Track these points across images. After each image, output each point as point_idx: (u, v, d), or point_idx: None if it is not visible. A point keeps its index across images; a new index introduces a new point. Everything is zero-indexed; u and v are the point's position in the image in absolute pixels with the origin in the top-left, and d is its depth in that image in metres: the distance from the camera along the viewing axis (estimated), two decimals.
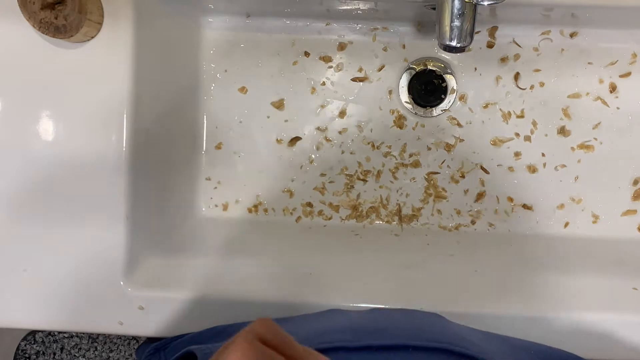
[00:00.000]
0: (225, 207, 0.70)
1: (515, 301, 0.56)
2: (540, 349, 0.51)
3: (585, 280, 0.59)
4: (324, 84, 0.68)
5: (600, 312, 0.55)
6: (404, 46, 0.67)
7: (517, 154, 0.67)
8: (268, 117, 0.69)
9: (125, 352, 1.39)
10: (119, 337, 1.39)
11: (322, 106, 0.69)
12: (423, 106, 0.67)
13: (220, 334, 0.53)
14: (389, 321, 0.50)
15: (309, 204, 0.70)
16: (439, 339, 0.44)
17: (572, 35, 0.65)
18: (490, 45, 0.66)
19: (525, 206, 0.68)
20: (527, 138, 0.67)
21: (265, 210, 0.70)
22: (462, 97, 0.67)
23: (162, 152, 0.63)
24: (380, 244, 0.66)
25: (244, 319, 0.55)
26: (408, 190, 0.69)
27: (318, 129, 0.69)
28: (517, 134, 0.67)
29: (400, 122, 0.68)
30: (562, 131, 0.67)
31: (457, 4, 0.50)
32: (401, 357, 0.42)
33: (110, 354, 1.39)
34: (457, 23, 0.51)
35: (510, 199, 0.68)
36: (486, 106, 0.67)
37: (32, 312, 0.58)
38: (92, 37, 0.55)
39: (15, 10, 0.52)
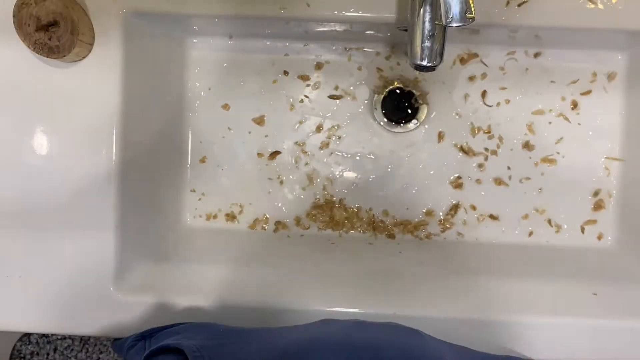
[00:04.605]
0: (209, 217, 0.71)
1: (481, 306, 0.57)
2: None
3: (548, 286, 0.60)
4: (302, 101, 0.69)
5: (561, 316, 0.57)
6: (377, 67, 0.68)
7: (484, 167, 0.69)
8: (249, 132, 0.70)
9: (114, 353, 1.40)
10: (109, 339, 1.40)
11: (301, 122, 0.70)
12: (397, 122, 0.68)
13: (213, 329, 0.53)
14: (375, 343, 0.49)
15: (288, 215, 0.71)
16: None
17: (535, 55, 0.67)
18: (459, 65, 0.68)
19: (492, 216, 0.69)
20: (494, 152, 0.69)
21: (247, 221, 0.71)
22: (432, 114, 0.68)
23: (149, 165, 0.63)
24: (355, 252, 0.67)
25: (228, 323, 0.55)
26: (383, 202, 0.70)
27: (297, 143, 0.70)
28: (485, 149, 0.68)
29: (374, 137, 0.69)
30: (527, 146, 0.68)
31: (427, 26, 0.52)
32: None
33: (101, 355, 1.40)
34: (427, 44, 0.53)
35: (478, 210, 0.69)
36: (455, 122, 0.69)
37: (28, 316, 0.59)
38: (84, 57, 0.57)
39: (11, 32, 0.53)
